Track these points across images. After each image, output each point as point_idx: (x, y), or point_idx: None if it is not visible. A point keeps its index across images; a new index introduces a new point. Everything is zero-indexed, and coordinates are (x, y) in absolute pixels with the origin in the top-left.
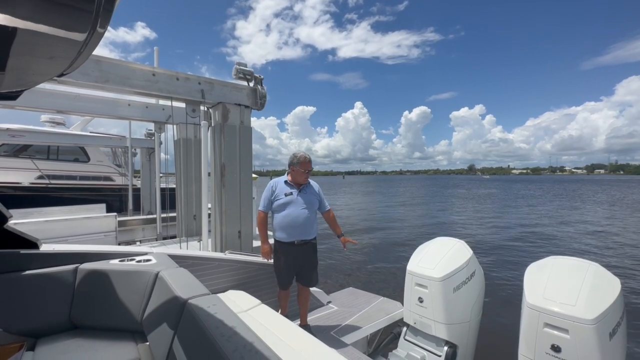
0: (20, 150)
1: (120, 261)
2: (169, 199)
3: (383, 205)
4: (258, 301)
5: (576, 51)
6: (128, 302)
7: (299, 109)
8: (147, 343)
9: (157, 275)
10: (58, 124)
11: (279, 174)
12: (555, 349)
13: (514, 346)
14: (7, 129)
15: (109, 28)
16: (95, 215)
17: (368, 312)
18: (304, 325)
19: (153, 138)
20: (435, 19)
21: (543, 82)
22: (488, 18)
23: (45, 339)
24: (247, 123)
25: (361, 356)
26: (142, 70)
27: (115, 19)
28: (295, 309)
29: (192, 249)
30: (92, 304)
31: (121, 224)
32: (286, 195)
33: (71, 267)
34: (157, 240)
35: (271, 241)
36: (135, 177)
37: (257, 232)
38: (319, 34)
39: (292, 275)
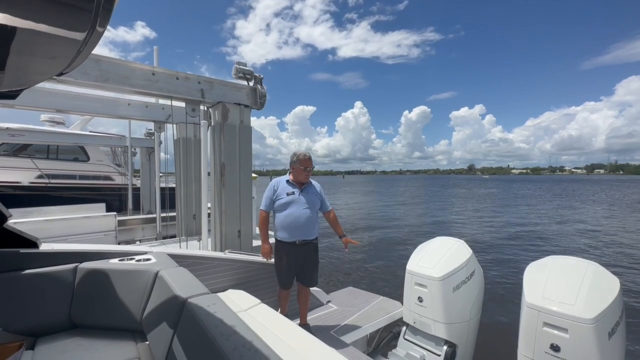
0: (19, 150)
1: (119, 260)
2: (168, 198)
3: (383, 204)
4: (258, 300)
5: (576, 51)
6: (128, 302)
7: (298, 108)
8: (147, 342)
9: (156, 274)
10: (58, 123)
11: (278, 173)
12: (555, 348)
13: (513, 345)
14: (7, 128)
15: (108, 27)
16: (95, 214)
17: (368, 311)
18: (304, 325)
19: (153, 137)
20: (436, 19)
21: (543, 82)
22: (488, 18)
23: (45, 338)
24: (247, 122)
25: (361, 355)
26: (142, 70)
27: (115, 18)
28: (295, 308)
29: (191, 248)
30: (92, 303)
31: (121, 223)
32: (288, 194)
33: (71, 266)
34: (156, 240)
35: (272, 241)
36: (135, 176)
37: (257, 232)
38: (319, 34)
39: (293, 276)
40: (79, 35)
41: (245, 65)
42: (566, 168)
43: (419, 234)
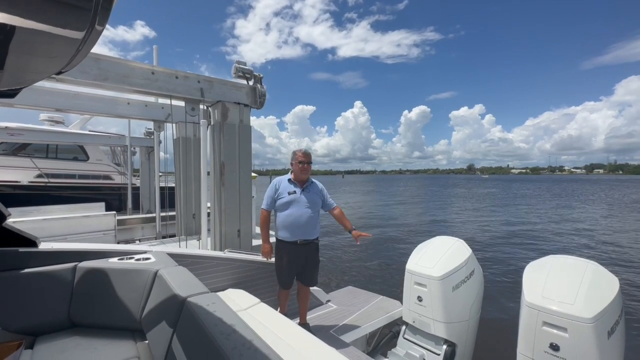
0: (19, 149)
1: (119, 260)
2: (168, 197)
3: (382, 204)
4: (257, 300)
5: (576, 51)
6: (127, 301)
7: (298, 108)
8: (146, 341)
9: (156, 273)
10: (57, 122)
11: (278, 173)
12: (554, 347)
13: (512, 345)
14: (6, 127)
15: (108, 26)
16: (94, 213)
17: (367, 310)
18: (303, 324)
19: (152, 137)
20: (435, 18)
21: (543, 82)
22: (488, 17)
23: (44, 337)
24: (246, 122)
25: (360, 355)
26: (141, 69)
27: (115, 17)
28: (295, 308)
29: (191, 247)
30: (91, 303)
31: (120, 222)
32: (289, 193)
33: (70, 265)
34: (156, 239)
35: (272, 240)
36: (134, 175)
37: (257, 231)
38: (319, 33)
39: (293, 276)
40: (78, 34)
41: (244, 64)
42: (565, 168)
43: (418, 233)
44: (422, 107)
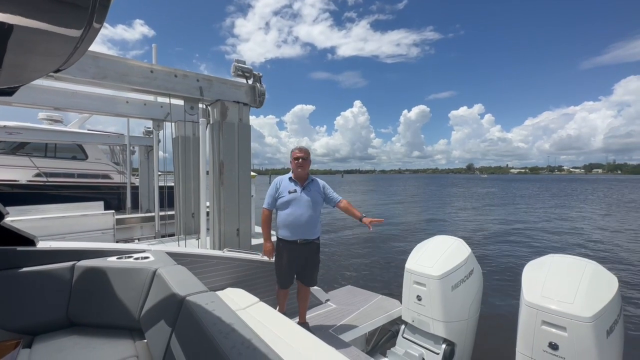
0: (17, 148)
1: (117, 258)
2: (167, 196)
3: (382, 203)
4: (256, 299)
5: (575, 51)
6: (126, 300)
7: (298, 107)
8: (145, 340)
9: (154, 272)
10: (56, 121)
11: (277, 172)
12: (553, 346)
13: (511, 344)
14: (4, 126)
15: (106, 25)
16: (93, 212)
17: (366, 310)
18: (303, 323)
19: (151, 136)
20: (435, 18)
21: (542, 82)
22: (488, 17)
23: (42, 336)
24: (245, 121)
25: (359, 354)
26: (140, 67)
27: (114, 16)
28: (294, 307)
29: (190, 246)
30: (90, 302)
31: (119, 221)
32: (290, 192)
33: (68, 264)
34: (155, 238)
35: (274, 239)
36: (133, 175)
37: (256, 230)
38: (318, 33)
39: (292, 275)
40: (76, 32)
41: (244, 63)
42: (564, 167)
43: (417, 232)
44: (422, 107)
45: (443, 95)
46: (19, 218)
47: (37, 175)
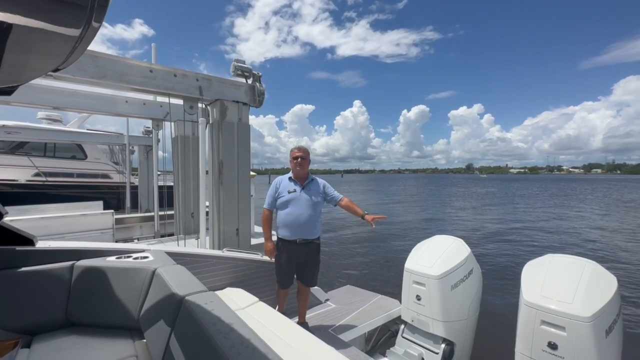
0: (16, 147)
1: (117, 258)
2: (166, 196)
3: (381, 203)
4: (256, 298)
5: (575, 51)
6: (125, 299)
7: (297, 107)
8: (144, 340)
9: (154, 272)
10: (55, 120)
11: (277, 172)
12: (552, 346)
13: (511, 343)
14: (3, 125)
15: (106, 24)
16: (92, 212)
17: (366, 309)
18: (302, 323)
19: (151, 135)
20: (435, 18)
21: (541, 82)
22: (487, 17)
23: (41, 336)
24: (245, 120)
25: (359, 354)
26: (140, 67)
27: (113, 15)
28: (293, 307)
29: (189, 246)
30: (89, 301)
31: (118, 221)
32: (289, 192)
33: (67, 264)
34: (154, 238)
35: (274, 239)
36: (132, 174)
37: (255, 230)
38: (318, 32)
39: (292, 275)
40: (74, 31)
41: (243, 62)
42: (564, 167)
43: (417, 232)
44: (421, 107)
45: (442, 95)
46: (18, 218)
47: (36, 174)
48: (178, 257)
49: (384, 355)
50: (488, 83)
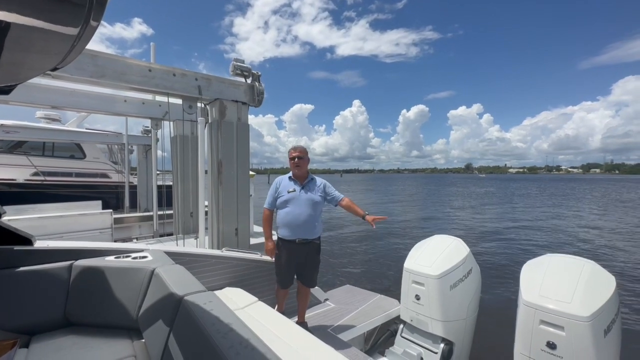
0: (15, 147)
1: (115, 258)
2: (165, 196)
3: (380, 202)
4: (255, 298)
5: (574, 51)
6: (123, 299)
7: (297, 106)
8: (143, 340)
9: (153, 272)
10: (53, 120)
11: (276, 172)
12: (551, 345)
13: (509, 343)
14: (2, 124)
15: (104, 23)
16: (91, 212)
17: (365, 309)
18: (301, 323)
19: (150, 135)
20: (434, 18)
21: (541, 82)
22: (486, 17)
23: (40, 336)
24: (244, 120)
25: (358, 353)
26: (139, 66)
27: (112, 14)
28: (293, 306)
29: (188, 246)
30: (87, 301)
31: (117, 221)
32: (289, 192)
33: (66, 263)
34: (153, 238)
35: (274, 238)
36: (131, 174)
37: (254, 230)
38: (318, 32)
39: (292, 274)
40: (73, 30)
41: (242, 62)
42: (563, 167)
43: (416, 232)
44: (421, 107)
45: (442, 94)
46: (16, 217)
47: (35, 174)
48: (177, 257)
49: (383, 354)
50: (487, 83)
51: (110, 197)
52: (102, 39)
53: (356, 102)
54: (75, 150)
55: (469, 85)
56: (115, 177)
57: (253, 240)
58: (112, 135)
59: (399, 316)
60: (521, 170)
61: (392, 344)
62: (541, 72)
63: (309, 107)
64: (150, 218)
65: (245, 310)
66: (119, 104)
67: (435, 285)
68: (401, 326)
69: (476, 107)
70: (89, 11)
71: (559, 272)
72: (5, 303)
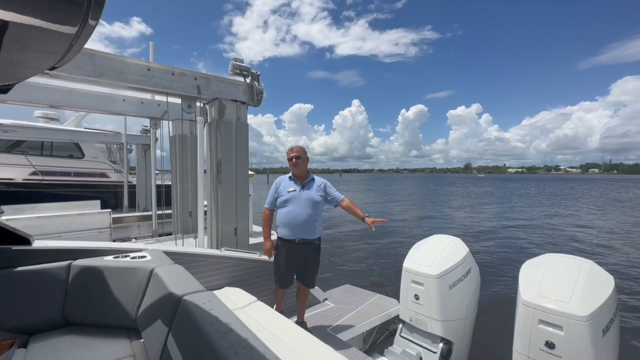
0: (13, 146)
1: (114, 258)
2: (164, 195)
3: (380, 202)
4: (254, 298)
5: (573, 51)
6: (122, 299)
7: (296, 106)
8: (142, 340)
9: (151, 271)
10: (52, 119)
11: (275, 171)
12: (550, 345)
13: (508, 343)
14: (0, 124)
15: (103, 22)
16: (89, 211)
17: (364, 309)
18: (300, 322)
19: (148, 134)
20: (433, 17)
21: (540, 82)
22: (486, 17)
23: (38, 336)
24: (243, 119)
25: (357, 353)
26: (137, 65)
27: (110, 13)
28: (292, 306)
29: (187, 246)
30: (86, 301)
31: (116, 220)
32: (289, 191)
33: (64, 263)
34: (152, 237)
35: (273, 238)
36: (130, 173)
37: (254, 230)
38: (317, 31)
39: (291, 274)
40: (71, 29)
41: (242, 61)
42: (561, 167)
43: (415, 231)
44: (420, 106)
45: (441, 94)
46: (14, 217)
47: (33, 173)
48: (176, 257)
49: (382, 354)
50: (486, 83)
51: (109, 196)
52: (101, 38)
53: (355, 102)
54: (73, 150)
55: (468, 85)
56: (114, 177)
57: (252, 240)
58: (111, 135)
59: (398, 316)
60: (520, 170)
61: (391, 343)
62: (540, 72)
63: (308, 106)
64: (149, 218)
65: (245, 310)
66: (117, 103)
67: (435, 284)
68: (400, 326)
69: (475, 107)
70: (87, 10)
71: (558, 272)
72: (4, 303)
